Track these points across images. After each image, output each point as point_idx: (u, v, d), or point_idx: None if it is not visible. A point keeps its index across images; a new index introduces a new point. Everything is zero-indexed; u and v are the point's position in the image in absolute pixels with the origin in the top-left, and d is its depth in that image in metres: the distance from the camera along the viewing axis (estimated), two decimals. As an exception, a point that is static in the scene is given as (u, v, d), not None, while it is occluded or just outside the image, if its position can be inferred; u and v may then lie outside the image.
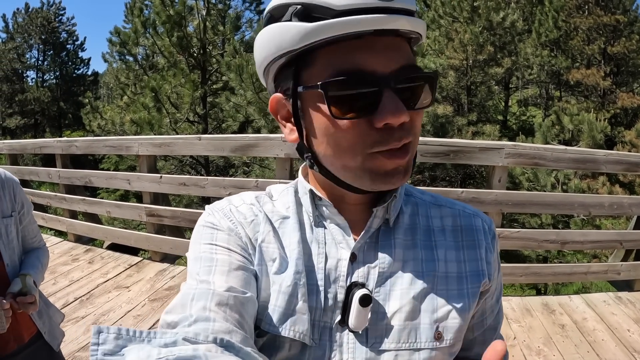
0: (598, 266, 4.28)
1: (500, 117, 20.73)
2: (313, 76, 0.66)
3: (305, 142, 0.73)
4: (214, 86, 13.74)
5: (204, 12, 13.05)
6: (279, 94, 0.73)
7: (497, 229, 3.70)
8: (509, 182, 11.21)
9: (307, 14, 0.63)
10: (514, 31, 18.09)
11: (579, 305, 3.84)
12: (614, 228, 10.75)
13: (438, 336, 0.72)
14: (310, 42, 0.62)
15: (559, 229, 10.91)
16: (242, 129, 12.19)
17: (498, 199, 3.77)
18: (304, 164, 0.79)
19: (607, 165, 3.95)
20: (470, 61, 16.65)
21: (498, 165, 3.75)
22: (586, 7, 19.47)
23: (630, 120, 18.99)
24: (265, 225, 0.76)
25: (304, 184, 0.79)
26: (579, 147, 10.63)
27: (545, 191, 10.67)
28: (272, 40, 0.67)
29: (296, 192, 0.81)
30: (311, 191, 0.77)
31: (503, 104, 21.64)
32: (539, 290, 12.17)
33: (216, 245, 0.72)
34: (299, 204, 0.79)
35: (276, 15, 0.67)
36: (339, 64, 0.63)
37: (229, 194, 3.46)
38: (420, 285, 0.73)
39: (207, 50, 13.44)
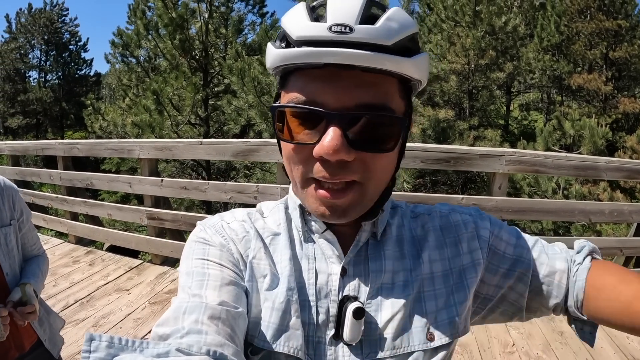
0: (598, 273, 4.27)
1: (501, 122, 20.73)
2: (284, 97, 0.69)
3: (280, 153, 0.76)
4: (216, 89, 13.77)
5: (206, 15, 13.08)
6: None
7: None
8: (510, 187, 11.22)
9: (285, 39, 0.66)
10: (516, 36, 18.06)
11: (578, 313, 3.83)
12: (614, 234, 10.75)
13: (430, 337, 0.73)
14: (278, 65, 0.66)
15: (559, 234, 10.92)
16: (243, 133, 12.23)
17: (498, 205, 3.78)
18: None
19: (608, 173, 3.95)
20: (472, 65, 16.62)
21: (498, 172, 3.76)
22: (588, 12, 19.51)
23: (632, 126, 18.97)
24: (256, 241, 0.77)
25: (294, 199, 0.81)
26: (580, 152, 10.64)
27: (546, 197, 10.67)
28: (266, 56, 0.71)
29: (286, 208, 0.84)
30: (300, 207, 0.79)
31: (505, 108, 21.67)
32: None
33: (208, 260, 0.73)
34: (289, 220, 0.81)
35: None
36: (298, 90, 0.65)
37: (230, 199, 3.45)
38: (410, 292, 0.75)
39: (209, 53, 13.47)
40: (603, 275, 0.78)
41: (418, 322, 0.74)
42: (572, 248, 0.86)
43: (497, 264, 0.82)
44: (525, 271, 0.82)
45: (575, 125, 11.81)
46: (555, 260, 0.83)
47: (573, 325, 0.84)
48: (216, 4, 13.76)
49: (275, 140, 0.80)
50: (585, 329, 0.82)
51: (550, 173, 4.10)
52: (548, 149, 11.81)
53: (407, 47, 0.66)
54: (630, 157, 13.21)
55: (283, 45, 0.66)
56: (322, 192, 0.66)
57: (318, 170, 0.65)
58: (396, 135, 0.67)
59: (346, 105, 0.63)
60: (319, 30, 0.61)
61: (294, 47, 0.63)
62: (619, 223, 10.44)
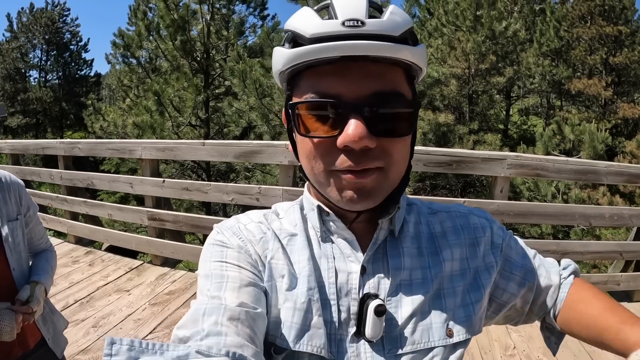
0: (598, 277, 4.28)
1: (501, 126, 20.77)
2: (297, 95, 0.72)
3: (296, 154, 0.79)
4: (217, 91, 13.79)
5: (207, 17, 13.10)
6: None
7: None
8: (510, 191, 11.19)
9: (295, 40, 0.70)
10: (516, 40, 18.13)
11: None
12: (614, 238, 10.75)
13: (449, 333, 0.75)
14: (291, 65, 0.69)
15: (559, 238, 10.92)
16: (244, 135, 12.23)
17: (500, 209, 3.78)
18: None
19: (608, 177, 3.96)
20: (472, 70, 16.68)
21: (500, 175, 3.77)
22: (589, 17, 19.60)
23: (631, 131, 19.07)
24: (274, 242, 0.78)
25: (310, 200, 0.83)
26: (579, 157, 10.66)
27: (545, 201, 10.68)
28: (274, 61, 0.75)
29: (302, 208, 0.85)
30: (319, 207, 0.80)
31: (504, 113, 21.69)
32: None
33: (226, 262, 0.74)
34: (305, 221, 0.83)
35: (283, 38, 0.74)
36: (312, 86, 0.69)
37: (232, 200, 3.46)
38: (429, 289, 0.77)
39: (211, 54, 13.49)
40: (580, 291, 0.88)
41: (438, 318, 0.76)
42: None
43: (510, 271, 0.87)
44: (533, 281, 0.89)
45: (574, 130, 11.84)
46: (551, 273, 0.91)
47: (542, 333, 0.96)
48: (218, 5, 13.79)
49: (278, 143, 0.82)
50: (552, 339, 0.94)
51: (551, 177, 4.11)
52: (548, 154, 11.81)
53: (411, 38, 0.71)
54: (630, 162, 13.21)
55: (290, 46, 0.70)
56: (347, 176, 0.68)
57: (342, 161, 0.67)
58: (411, 119, 0.71)
59: (362, 94, 0.66)
60: (332, 26, 0.65)
61: (307, 44, 0.66)
62: (618, 227, 10.46)
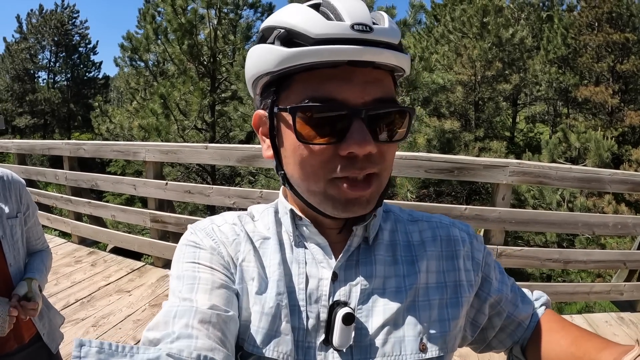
0: (601, 286, 4.24)
1: (507, 134, 20.72)
2: (288, 99, 0.68)
3: (278, 160, 0.75)
4: (223, 95, 13.80)
5: (215, 21, 13.13)
6: (261, 111, 0.76)
7: (499, 246, 3.66)
8: (515, 199, 11.19)
9: (289, 39, 0.65)
10: (522, 48, 18.13)
11: (581, 325, 3.80)
12: (618, 247, 10.70)
13: (422, 347, 0.72)
14: (287, 66, 0.65)
15: (563, 247, 10.86)
16: (249, 139, 12.24)
17: (501, 216, 3.77)
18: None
19: (612, 185, 3.93)
20: (479, 77, 16.67)
21: (502, 183, 3.75)
22: (596, 24, 19.51)
23: (638, 139, 18.92)
24: (246, 244, 0.77)
25: (284, 204, 0.81)
26: (585, 165, 10.61)
27: (550, 209, 10.63)
28: (257, 60, 0.71)
29: (276, 212, 0.84)
30: (292, 211, 0.78)
31: (510, 120, 21.65)
32: (542, 308, 12.10)
33: (199, 263, 0.73)
34: (278, 224, 0.81)
35: (266, 36, 0.70)
36: (312, 90, 0.65)
37: (234, 204, 3.45)
38: (402, 299, 0.74)
39: (217, 59, 13.51)
40: (551, 322, 0.86)
41: (411, 330, 0.73)
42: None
43: (487, 292, 0.85)
44: (504, 307, 0.87)
45: (580, 138, 11.79)
46: (525, 303, 0.89)
47: None
48: (225, 10, 13.81)
49: None
50: None
51: (554, 185, 4.08)
52: (553, 161, 11.77)
53: (402, 46, 0.70)
54: (636, 170, 13.14)
55: (283, 45, 0.66)
56: (350, 188, 0.67)
57: (344, 167, 0.66)
58: (407, 124, 0.71)
59: (365, 100, 0.65)
60: (341, 28, 0.63)
61: (309, 45, 0.63)
62: (623, 236, 10.41)
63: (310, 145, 0.67)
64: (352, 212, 0.69)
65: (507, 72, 17.53)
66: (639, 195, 11.70)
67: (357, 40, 0.63)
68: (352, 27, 0.63)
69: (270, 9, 15.92)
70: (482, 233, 3.65)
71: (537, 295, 0.92)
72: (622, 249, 9.47)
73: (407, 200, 9.53)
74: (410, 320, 0.74)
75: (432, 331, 0.74)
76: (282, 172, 0.75)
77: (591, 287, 4.17)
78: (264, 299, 0.72)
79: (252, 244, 0.78)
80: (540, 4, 22.90)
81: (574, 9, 21.85)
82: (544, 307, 0.90)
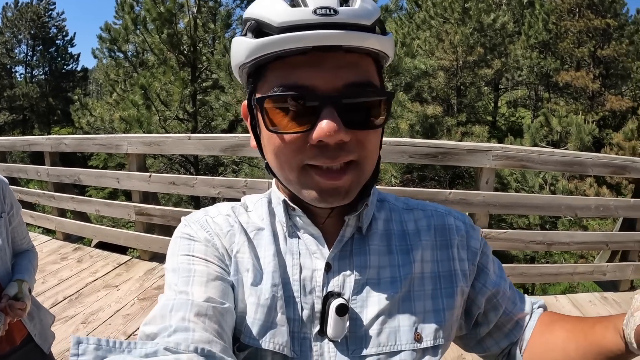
0: (584, 267, 4.34)
1: (489, 118, 20.85)
2: (262, 89, 0.68)
3: (260, 150, 0.75)
4: (204, 84, 13.69)
5: (194, 10, 12.97)
6: (246, 101, 0.75)
7: (484, 229, 3.71)
8: (498, 182, 11.31)
9: (259, 29, 0.65)
10: (504, 33, 18.21)
11: (565, 306, 3.89)
12: (601, 229, 10.87)
13: (417, 337, 0.72)
14: (256, 56, 0.64)
15: (546, 229, 11.01)
16: (231, 128, 12.17)
17: (485, 200, 3.81)
18: None
19: (594, 168, 3.99)
20: (461, 62, 16.74)
21: (486, 167, 3.79)
22: (577, 10, 19.71)
23: (619, 123, 19.23)
24: (240, 236, 0.76)
25: (277, 194, 0.80)
26: (566, 149, 10.75)
27: (533, 192, 10.76)
28: (233, 52, 0.70)
29: (269, 202, 0.82)
30: (284, 201, 0.77)
31: (492, 105, 21.76)
32: (527, 290, 12.26)
33: (194, 256, 0.73)
34: (272, 215, 0.80)
35: (243, 28, 0.69)
36: (282, 79, 0.64)
37: (219, 193, 3.42)
38: (397, 289, 0.74)
39: (198, 48, 13.36)
40: (549, 322, 0.82)
41: (406, 320, 0.73)
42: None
43: (483, 283, 0.83)
44: (501, 302, 0.84)
45: (562, 122, 11.92)
46: (524, 302, 0.86)
47: None
48: None
49: None
50: None
51: (537, 168, 4.14)
52: (535, 145, 11.89)
53: (381, 27, 0.68)
54: (617, 154, 13.34)
55: (254, 36, 0.65)
56: (323, 177, 0.66)
57: (316, 157, 0.65)
58: (385, 109, 0.68)
59: (336, 86, 0.63)
60: (303, 14, 0.61)
61: (275, 34, 0.62)
62: (605, 218, 10.59)
63: (283, 134, 0.66)
64: (329, 202, 0.68)
65: (488, 57, 17.62)
66: (620, 178, 11.86)
67: (320, 24, 0.61)
68: (315, 11, 0.61)
69: (250, -4, 15.72)
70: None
71: (534, 300, 0.90)
72: (605, 230, 9.62)
73: (392, 186, 9.59)
74: (405, 310, 0.74)
75: (427, 321, 0.74)
76: (265, 161, 0.75)
77: (574, 268, 4.26)
78: (260, 290, 0.71)
79: (246, 235, 0.77)
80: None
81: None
82: (541, 310, 0.87)
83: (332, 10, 0.61)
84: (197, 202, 12.64)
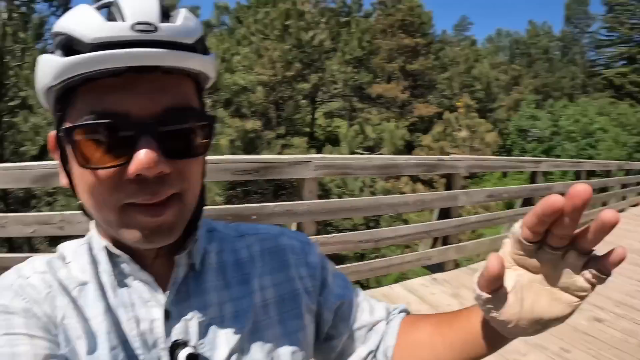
0: (411, 256, 4.69)
1: (308, 130, 21.54)
2: (71, 117, 0.57)
3: (73, 189, 0.64)
4: (11, 103, 12.19)
5: (5, 16, 11.46)
6: (53, 132, 0.63)
7: (314, 236, 3.82)
8: (320, 189, 11.81)
9: (69, 46, 0.54)
10: (321, 49, 19.18)
11: (400, 292, 4.17)
12: (420, 220, 11.96)
13: None
14: (64, 78, 0.54)
15: (371, 227, 11.80)
16: (42, 154, 11.00)
17: (311, 209, 3.86)
18: None
19: (408, 169, 4.42)
20: (279, 77, 17.26)
21: (308, 177, 3.83)
22: (390, 30, 22.16)
23: (427, 127, 21.95)
24: (62, 297, 0.62)
25: (97, 239, 0.68)
26: (381, 153, 11.68)
27: (354, 195, 11.47)
28: (39, 73, 0.59)
29: (91, 248, 0.69)
30: (106, 248, 0.66)
31: (310, 117, 22.66)
32: (363, 285, 12.96)
33: (14, 334, 0.57)
34: (95, 264, 0.67)
35: (52, 43, 0.58)
36: (92, 105, 0.55)
37: (33, 232, 3.02)
38: (243, 323, 0.69)
39: (5, 61, 11.80)
40: (411, 324, 0.80)
41: (259, 353, 0.68)
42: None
43: (326, 296, 0.80)
44: (348, 312, 0.81)
45: (376, 130, 13.01)
46: (375, 308, 0.83)
47: None
48: (17, 2, 12.13)
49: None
50: None
51: (357, 174, 4.42)
52: (352, 152, 12.78)
53: (203, 46, 0.61)
54: (427, 154, 14.94)
55: (63, 54, 0.54)
56: (145, 215, 0.57)
57: (134, 192, 0.56)
58: (208, 136, 0.62)
59: (153, 112, 0.55)
60: (120, 30, 0.53)
61: (86, 52, 0.52)
62: (423, 211, 11.66)
63: (96, 170, 0.56)
64: (155, 242, 0.59)
65: (306, 72, 18.42)
66: (433, 175, 13.23)
67: (137, 42, 0.52)
68: (133, 27, 0.53)
69: (66, 3, 14.26)
70: (295, 227, 3.77)
71: (394, 305, 0.86)
72: (424, 221, 10.57)
73: (216, 204, 9.52)
74: (256, 341, 0.69)
75: (281, 347, 0.71)
76: (80, 202, 0.64)
77: (403, 259, 4.59)
78: (98, 358, 0.60)
79: (68, 295, 0.63)
80: (340, 10, 24.46)
81: (370, 16, 24.71)
82: (404, 314, 0.84)
83: (152, 27, 0.54)
84: (12, 245, 11.24)
